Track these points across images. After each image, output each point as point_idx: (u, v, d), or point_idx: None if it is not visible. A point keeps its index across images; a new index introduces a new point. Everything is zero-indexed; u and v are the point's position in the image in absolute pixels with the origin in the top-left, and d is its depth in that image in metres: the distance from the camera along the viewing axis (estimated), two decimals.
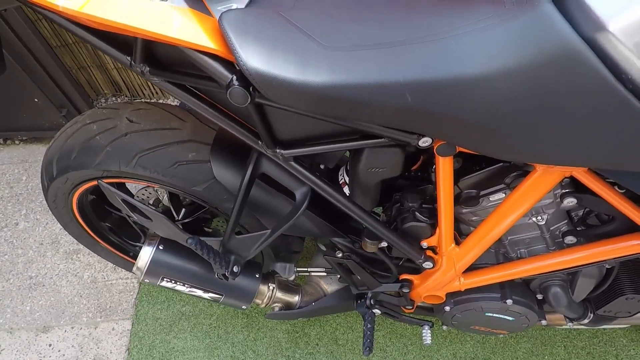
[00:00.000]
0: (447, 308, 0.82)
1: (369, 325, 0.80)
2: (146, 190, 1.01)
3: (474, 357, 1.15)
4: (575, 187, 0.64)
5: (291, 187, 0.67)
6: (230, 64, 0.48)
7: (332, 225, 0.80)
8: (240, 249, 0.70)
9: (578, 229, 0.70)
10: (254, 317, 1.24)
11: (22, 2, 0.49)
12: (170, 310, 1.26)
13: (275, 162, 0.65)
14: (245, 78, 0.46)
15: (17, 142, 1.64)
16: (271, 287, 0.87)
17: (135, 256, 1.15)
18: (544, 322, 0.82)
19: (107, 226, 1.08)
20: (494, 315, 0.79)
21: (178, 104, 0.88)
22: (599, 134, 0.45)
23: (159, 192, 0.94)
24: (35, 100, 1.41)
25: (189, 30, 0.44)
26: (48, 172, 0.85)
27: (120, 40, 0.53)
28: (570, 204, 0.64)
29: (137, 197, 0.97)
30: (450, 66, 0.43)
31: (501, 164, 0.64)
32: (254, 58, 0.43)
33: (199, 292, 0.79)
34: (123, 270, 1.35)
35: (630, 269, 0.72)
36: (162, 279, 0.76)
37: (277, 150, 0.60)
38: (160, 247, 0.76)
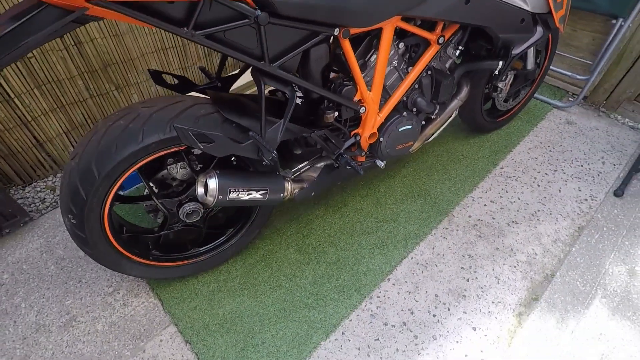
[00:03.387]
0: (381, 138, 1.38)
1: (352, 163, 1.28)
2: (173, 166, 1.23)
3: (405, 194, 1.76)
4: (400, 38, 1.30)
5: (283, 88, 1.10)
6: (250, 7, 0.91)
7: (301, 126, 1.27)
8: (271, 139, 1.09)
9: (410, 62, 1.37)
10: (267, 258, 1.54)
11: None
12: (200, 296, 1.44)
13: (269, 75, 1.08)
14: (263, 9, 0.91)
15: None
16: (288, 180, 1.26)
17: (155, 258, 1.32)
18: (423, 122, 1.48)
19: (126, 237, 1.23)
20: (403, 128, 1.40)
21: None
22: None
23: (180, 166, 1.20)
24: None
25: None
26: (87, 180, 1.02)
27: (170, 20, 0.88)
28: (402, 46, 1.30)
29: (167, 172, 1.21)
30: None
31: (368, 38, 1.24)
32: None
33: (253, 193, 1.11)
34: (134, 299, 1.43)
35: (437, 72, 1.43)
36: (230, 192, 1.07)
37: (271, 64, 1.05)
38: (218, 172, 1.06)
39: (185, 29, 0.89)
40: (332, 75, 1.29)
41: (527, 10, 1.30)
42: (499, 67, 1.49)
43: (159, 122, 1.04)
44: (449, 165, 1.90)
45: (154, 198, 1.17)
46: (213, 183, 1.06)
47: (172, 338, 1.34)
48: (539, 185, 1.81)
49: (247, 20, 0.93)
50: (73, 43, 1.55)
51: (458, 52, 1.44)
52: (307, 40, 1.08)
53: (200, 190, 1.06)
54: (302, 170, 1.35)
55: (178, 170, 1.21)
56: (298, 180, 1.33)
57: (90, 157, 1.02)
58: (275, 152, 1.09)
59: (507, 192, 1.79)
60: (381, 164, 1.44)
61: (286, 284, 1.46)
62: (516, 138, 2.06)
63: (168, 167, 1.20)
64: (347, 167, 1.31)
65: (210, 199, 1.06)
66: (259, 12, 0.91)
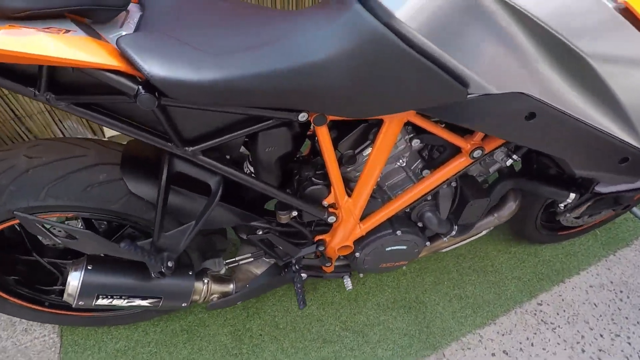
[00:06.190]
0: (357, 254, 0.99)
1: (298, 285, 0.93)
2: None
3: (394, 300, 1.36)
4: (416, 131, 0.88)
5: (205, 179, 0.77)
6: (133, 78, 0.58)
7: (247, 211, 0.92)
8: (171, 245, 0.77)
9: (428, 163, 0.94)
10: (194, 330, 1.27)
11: None
12: (103, 352, 1.22)
13: (187, 160, 0.75)
14: (149, 85, 0.57)
15: None
16: (206, 281, 0.94)
17: (52, 305, 1.11)
18: (428, 244, 1.05)
19: (13, 279, 1.02)
20: (392, 248, 1.00)
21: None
22: (409, 86, 0.66)
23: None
24: None
25: (95, 54, 0.53)
26: None
27: (19, 75, 0.59)
28: (417, 144, 0.87)
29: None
30: (302, 57, 0.59)
31: (363, 124, 0.84)
32: (156, 67, 0.54)
33: (138, 301, 0.82)
34: (37, 328, 1.25)
35: (467, 183, 0.98)
36: (98, 297, 0.78)
37: (186, 148, 0.71)
38: (89, 267, 0.78)
39: (35, 91, 0.58)
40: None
41: (635, 147, 0.79)
42: (570, 200, 0.99)
43: (33, 184, 0.77)
44: (468, 277, 1.44)
45: (35, 255, 0.93)
46: (75, 281, 0.77)
47: None
48: (583, 351, 1.30)
49: (124, 97, 0.59)
50: None
51: (510, 161, 0.97)
52: (251, 124, 0.72)
53: (67, 283, 0.79)
54: (240, 262, 1.02)
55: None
56: (224, 280, 1.00)
57: None
58: (171, 263, 0.78)
59: (533, 344, 1.30)
60: (349, 284, 1.06)
61: None
62: (577, 264, 1.51)
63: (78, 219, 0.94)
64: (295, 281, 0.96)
65: (69, 299, 0.79)
66: (141, 90, 0.57)
